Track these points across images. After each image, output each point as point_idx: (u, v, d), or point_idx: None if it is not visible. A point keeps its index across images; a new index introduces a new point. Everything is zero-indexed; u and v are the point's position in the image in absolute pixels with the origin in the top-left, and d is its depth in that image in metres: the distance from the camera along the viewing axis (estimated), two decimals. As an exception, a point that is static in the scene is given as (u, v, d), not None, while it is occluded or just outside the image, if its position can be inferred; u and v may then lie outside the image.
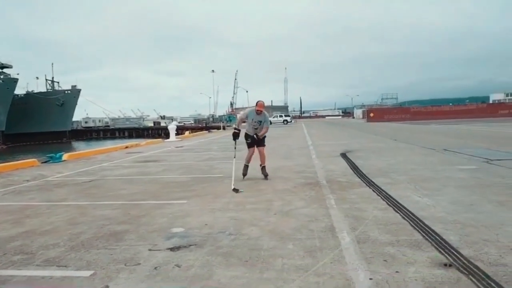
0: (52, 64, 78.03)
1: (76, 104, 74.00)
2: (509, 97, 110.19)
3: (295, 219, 4.59)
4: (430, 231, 3.89)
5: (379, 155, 10.91)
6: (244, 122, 7.96)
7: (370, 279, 2.86)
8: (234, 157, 7.63)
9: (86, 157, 14.08)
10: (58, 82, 77.21)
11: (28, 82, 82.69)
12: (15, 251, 3.84)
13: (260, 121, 7.65)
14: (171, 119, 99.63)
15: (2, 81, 60.00)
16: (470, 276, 2.83)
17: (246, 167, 7.76)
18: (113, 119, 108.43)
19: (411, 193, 5.74)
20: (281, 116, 60.79)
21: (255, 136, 7.73)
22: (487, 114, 47.72)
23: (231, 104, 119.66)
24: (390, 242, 3.65)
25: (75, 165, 11.40)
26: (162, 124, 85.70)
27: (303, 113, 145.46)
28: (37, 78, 77.98)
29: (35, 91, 72.05)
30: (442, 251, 3.36)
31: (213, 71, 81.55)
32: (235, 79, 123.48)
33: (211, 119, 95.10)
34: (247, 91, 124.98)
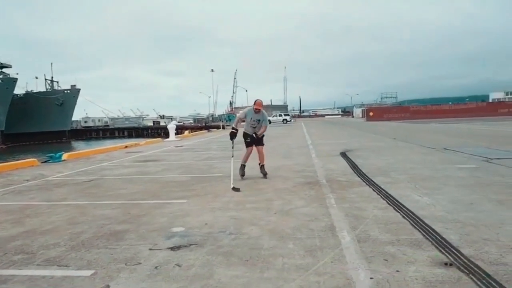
0: (52, 63, 77.99)
1: (75, 103, 73.95)
2: (509, 96, 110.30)
3: (295, 218, 4.59)
4: (431, 230, 3.90)
5: (378, 154, 10.91)
6: (243, 121, 7.96)
7: (371, 278, 2.87)
8: (232, 157, 7.65)
9: (86, 157, 14.08)
10: (57, 82, 77.19)
11: (28, 82, 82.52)
12: (16, 250, 3.84)
13: (259, 120, 7.65)
14: (171, 118, 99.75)
15: (2, 80, 59.91)
16: (471, 275, 2.84)
17: (242, 167, 7.76)
18: (112, 119, 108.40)
19: (411, 192, 5.75)
20: (280, 115, 60.77)
21: (254, 135, 7.74)
22: (487, 113, 47.77)
23: (231, 104, 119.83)
24: (391, 241, 3.65)
25: (75, 165, 11.40)
26: (162, 123, 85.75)
27: (303, 112, 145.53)
28: (37, 77, 77.91)
29: (35, 91, 71.97)
30: (442, 250, 3.36)
31: (212, 70, 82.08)
32: (235, 78, 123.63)
33: (210, 119, 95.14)
34: (246, 91, 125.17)
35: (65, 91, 72.16)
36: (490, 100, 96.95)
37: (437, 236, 3.71)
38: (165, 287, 2.88)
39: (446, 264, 3.07)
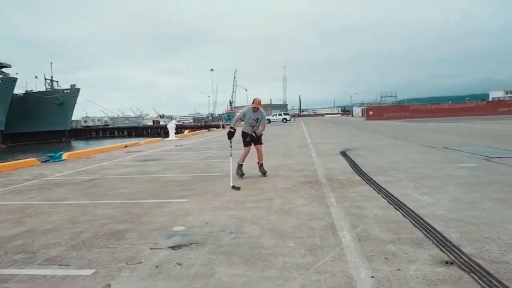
0: (51, 63, 78.03)
1: (75, 103, 73.92)
2: (509, 95, 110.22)
3: (296, 217, 4.59)
4: (431, 229, 3.90)
5: (378, 153, 10.91)
6: (242, 120, 7.97)
7: (372, 277, 2.87)
8: (231, 156, 7.68)
9: (86, 156, 14.08)
10: (57, 82, 77.18)
11: (27, 82, 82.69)
12: (17, 250, 3.84)
13: (257, 119, 7.67)
14: (170, 118, 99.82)
15: (1, 80, 59.86)
16: (472, 274, 2.84)
17: (240, 166, 7.77)
18: (112, 118, 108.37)
19: (411, 191, 5.75)
20: (280, 114, 60.71)
21: (253, 134, 7.75)
22: (487, 112, 47.75)
23: (230, 103, 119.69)
24: (391, 240, 3.65)
25: (75, 164, 11.40)
26: (161, 123, 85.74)
27: (302, 111, 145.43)
28: (36, 77, 77.90)
29: (34, 91, 71.95)
30: (443, 249, 3.36)
31: (212, 70, 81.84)
32: (234, 77, 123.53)
33: (210, 118, 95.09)
34: (246, 90, 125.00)
35: (65, 91, 72.12)
36: (490, 99, 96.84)
37: (438, 235, 3.72)
38: (166, 286, 2.88)
39: (447, 262, 3.07)
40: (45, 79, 76.43)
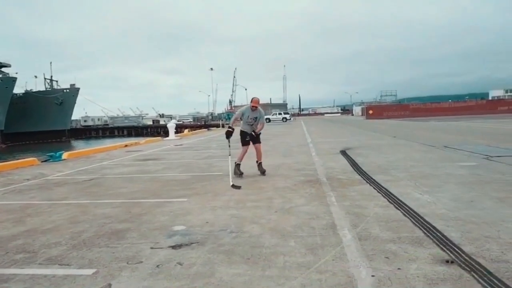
0: (51, 63, 78.05)
1: (75, 103, 73.89)
2: (509, 94, 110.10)
3: (296, 216, 4.59)
4: (431, 228, 3.90)
5: (378, 152, 10.91)
6: (240, 120, 8.00)
7: (372, 276, 2.87)
8: (229, 155, 7.68)
9: (86, 156, 14.07)
10: (56, 81, 77.17)
11: (27, 81, 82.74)
12: (17, 249, 3.84)
13: (256, 118, 7.69)
14: (170, 117, 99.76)
15: (1, 80, 59.80)
16: (472, 273, 2.84)
17: (238, 166, 7.77)
18: (112, 118, 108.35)
19: (411, 190, 5.75)
20: (280, 113, 60.67)
21: (253, 133, 7.76)
22: (487, 111, 47.73)
23: (230, 102, 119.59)
24: (392, 239, 3.66)
25: (75, 164, 11.40)
26: (161, 122, 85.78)
27: (302, 110, 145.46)
28: (36, 77, 77.87)
29: (34, 90, 71.92)
30: (443, 248, 3.37)
31: (211, 69, 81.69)
32: (234, 77, 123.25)
33: (210, 117, 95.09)
34: (246, 89, 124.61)
35: (65, 90, 72.09)
36: (490, 98, 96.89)
37: (438, 234, 3.72)
38: (167, 285, 2.88)
39: (447, 261, 3.07)
40: (45, 78, 76.46)
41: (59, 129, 69.63)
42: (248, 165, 8.15)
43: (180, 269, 3.16)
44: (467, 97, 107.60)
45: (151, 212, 5.10)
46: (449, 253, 3.24)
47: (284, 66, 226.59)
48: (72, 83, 74.12)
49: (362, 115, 71.14)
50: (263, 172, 7.79)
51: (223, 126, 45.00)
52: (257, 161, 7.93)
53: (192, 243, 3.79)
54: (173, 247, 3.71)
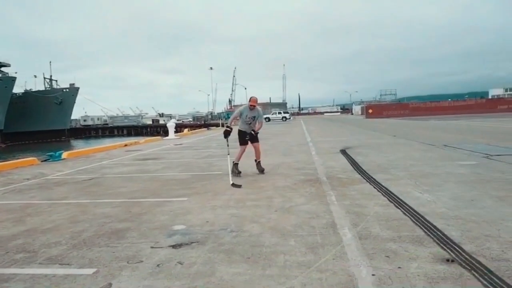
0: (50, 62, 78.38)
1: (74, 102, 73.93)
2: (508, 92, 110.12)
3: (296, 215, 4.59)
4: (432, 227, 3.90)
5: (378, 151, 10.92)
6: (238, 119, 8.01)
7: (373, 275, 2.87)
8: (228, 154, 7.70)
9: (86, 155, 14.07)
10: (56, 81, 77.16)
11: (26, 81, 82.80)
12: (17, 249, 3.84)
13: (254, 117, 7.71)
14: (170, 116, 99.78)
15: (0, 79, 59.77)
16: (473, 272, 2.84)
17: (236, 165, 7.78)
18: (111, 117, 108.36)
19: (411, 189, 5.75)
20: (279, 113, 60.75)
21: (252, 132, 7.77)
22: (486, 110, 47.76)
23: (230, 101, 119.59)
24: (392, 238, 3.66)
25: (75, 163, 11.39)
26: (161, 122, 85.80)
27: (302, 109, 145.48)
28: (35, 76, 77.84)
29: (33, 90, 71.88)
30: (444, 246, 3.37)
31: (211, 68, 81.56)
32: (234, 76, 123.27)
33: (209, 117, 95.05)
34: (245, 88, 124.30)
35: (64, 90, 72.10)
36: (490, 97, 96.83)
37: (439, 233, 3.72)
38: (167, 284, 2.88)
39: (448, 260, 3.07)
40: (44, 78, 76.46)
41: (58, 129, 69.64)
42: (248, 165, 8.15)
43: (180, 269, 3.16)
44: (466, 96, 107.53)
45: (151, 212, 5.10)
46: (449, 252, 3.25)
47: (284, 65, 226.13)
48: (72, 82, 74.13)
49: (361, 114, 71.12)
50: (261, 171, 7.81)
51: (222, 126, 44.97)
52: (255, 160, 7.95)
53: (192, 243, 3.78)
54: (173, 246, 3.71)
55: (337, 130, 25.50)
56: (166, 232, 4.16)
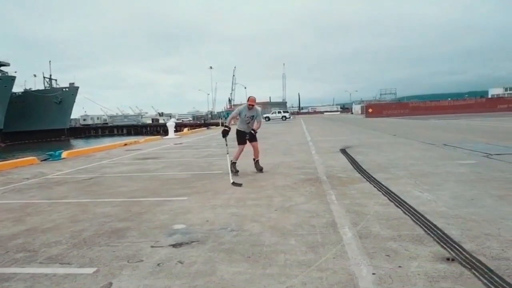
0: (50, 61, 78.50)
1: (74, 101, 73.92)
2: (508, 92, 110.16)
3: (296, 215, 4.59)
4: (432, 226, 3.90)
5: (378, 151, 10.92)
6: (236, 119, 8.02)
7: (373, 274, 2.87)
8: (227, 153, 7.72)
9: (85, 155, 14.06)
10: (56, 80, 77.17)
11: (26, 80, 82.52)
12: (18, 249, 3.84)
13: (253, 116, 7.74)
14: (170, 116, 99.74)
15: (0, 79, 59.75)
16: (473, 270, 2.84)
17: (234, 164, 7.81)
18: (111, 117, 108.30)
19: (411, 188, 5.75)
20: (279, 112, 60.70)
21: (252, 131, 7.78)
22: (486, 109, 47.75)
23: (229, 101, 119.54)
24: (392, 237, 3.66)
25: (75, 163, 11.39)
26: (161, 121, 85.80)
27: (302, 109, 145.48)
28: (35, 75, 77.86)
29: (33, 89, 71.86)
30: (444, 245, 3.37)
31: (211, 67, 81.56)
32: (233, 75, 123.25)
33: (209, 116, 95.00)
34: (245, 88, 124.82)
35: (64, 89, 72.11)
36: (489, 96, 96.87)
37: (439, 232, 3.72)
38: (168, 284, 2.88)
39: (448, 259, 3.07)
40: (44, 77, 76.49)
41: (58, 128, 69.65)
42: (248, 164, 8.16)
43: (180, 268, 3.16)
44: (466, 95, 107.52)
45: (151, 211, 5.10)
46: (449, 251, 3.25)
47: (284, 64, 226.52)
48: (71, 82, 74.12)
49: (361, 113, 71.13)
50: (260, 169, 7.84)
51: (222, 125, 44.96)
52: (254, 159, 7.97)
53: (192, 242, 3.78)
54: (174, 245, 3.71)
55: (337, 129, 25.50)
56: (166, 232, 4.16)
